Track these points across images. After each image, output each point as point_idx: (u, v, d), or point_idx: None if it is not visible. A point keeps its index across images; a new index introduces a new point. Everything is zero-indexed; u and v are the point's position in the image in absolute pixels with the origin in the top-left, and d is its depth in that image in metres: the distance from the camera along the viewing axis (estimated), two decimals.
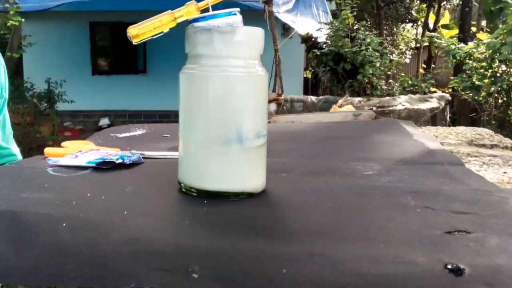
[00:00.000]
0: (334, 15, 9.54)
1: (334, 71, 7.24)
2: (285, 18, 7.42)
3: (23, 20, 6.44)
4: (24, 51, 7.22)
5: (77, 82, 8.08)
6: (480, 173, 0.90)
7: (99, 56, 9.08)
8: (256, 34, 0.74)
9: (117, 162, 0.90)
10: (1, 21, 7.69)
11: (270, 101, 5.78)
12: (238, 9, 0.77)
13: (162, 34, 0.79)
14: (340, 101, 5.80)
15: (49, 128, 7.22)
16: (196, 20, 0.77)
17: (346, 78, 7.06)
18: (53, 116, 7.20)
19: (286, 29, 8.67)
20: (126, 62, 8.87)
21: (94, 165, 0.89)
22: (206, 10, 0.81)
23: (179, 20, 0.80)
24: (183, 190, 0.75)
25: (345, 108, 4.99)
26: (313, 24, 8.31)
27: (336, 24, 7.45)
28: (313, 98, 6.41)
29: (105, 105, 8.66)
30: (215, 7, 0.79)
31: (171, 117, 8.68)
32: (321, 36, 7.95)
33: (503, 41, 4.88)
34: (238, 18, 0.78)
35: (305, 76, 10.87)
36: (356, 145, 1.15)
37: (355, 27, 7.66)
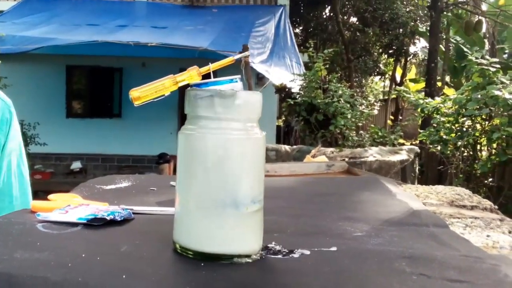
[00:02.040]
0: (307, 66, 9.79)
1: (307, 121, 7.37)
2: (260, 68, 7.57)
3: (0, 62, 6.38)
4: None
5: (51, 124, 7.97)
6: (465, 236, 0.92)
7: (75, 99, 9.01)
8: (255, 98, 0.76)
9: (108, 218, 0.88)
10: None
11: None
12: (239, 76, 0.79)
13: (163, 97, 0.80)
14: (313, 151, 5.88)
15: None
16: (197, 85, 0.78)
17: (319, 128, 7.18)
18: None
19: (260, 79, 8.82)
20: (102, 106, 8.83)
21: (85, 221, 0.87)
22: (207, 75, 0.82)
23: (180, 84, 0.82)
24: (178, 251, 0.74)
25: (318, 159, 5.04)
26: (287, 75, 8.50)
27: (309, 75, 7.63)
28: (287, 147, 6.48)
29: (78, 148, 8.53)
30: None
31: (144, 162, 8.61)
32: (295, 86, 8.12)
33: (469, 97, 5.07)
34: (239, 85, 0.80)
35: (277, 124, 11.01)
36: (342, 204, 1.17)
37: (327, 79, 7.86)
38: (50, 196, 1.08)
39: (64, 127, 8.54)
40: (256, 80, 8.78)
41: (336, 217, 1.03)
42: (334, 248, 0.78)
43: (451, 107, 5.41)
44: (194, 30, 7.82)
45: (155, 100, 0.79)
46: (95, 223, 0.87)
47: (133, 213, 0.97)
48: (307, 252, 0.76)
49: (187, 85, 0.85)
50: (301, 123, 7.54)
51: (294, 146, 6.73)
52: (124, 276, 0.63)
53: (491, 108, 4.85)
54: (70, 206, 0.96)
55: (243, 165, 0.73)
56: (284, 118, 11.47)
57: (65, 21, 7.77)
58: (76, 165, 8.39)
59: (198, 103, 0.73)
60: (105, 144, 8.57)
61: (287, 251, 0.77)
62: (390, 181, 1.39)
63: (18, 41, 6.87)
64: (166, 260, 0.72)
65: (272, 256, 0.75)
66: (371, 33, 14.11)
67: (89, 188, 1.27)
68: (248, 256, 0.73)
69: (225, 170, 0.72)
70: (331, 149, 5.99)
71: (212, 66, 0.84)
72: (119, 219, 0.90)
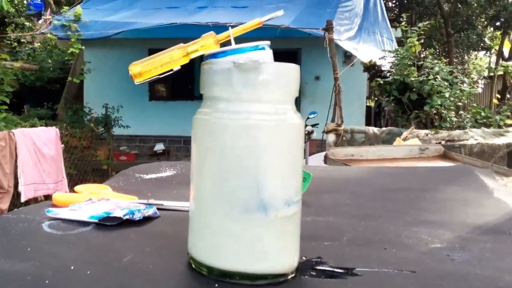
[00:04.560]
0: (400, 42, 9.27)
1: (399, 101, 6.94)
2: (347, 45, 7.24)
3: (83, 47, 6.64)
4: (84, 77, 7.45)
5: (135, 107, 8.23)
6: None
7: (157, 82, 9.23)
8: (289, 72, 0.59)
9: (124, 218, 0.76)
10: (66, 48, 7.99)
11: (328, 132, 5.58)
12: (268, 42, 0.62)
13: (172, 72, 0.65)
14: (405, 134, 5.52)
15: (105, 152, 7.34)
16: (214, 55, 0.63)
17: (412, 109, 6.74)
18: (109, 140, 7.32)
19: (348, 57, 8.48)
20: (183, 89, 8.96)
21: (96, 220, 0.75)
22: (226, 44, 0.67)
23: (192, 56, 0.66)
24: (193, 265, 0.60)
25: (410, 142, 4.72)
26: (377, 52, 8.07)
27: (402, 52, 7.18)
28: (376, 129, 6.15)
29: (160, 131, 8.75)
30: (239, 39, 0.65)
31: None
32: (385, 64, 7.70)
33: None
34: (267, 53, 0.63)
35: (368, 105, 10.58)
36: (422, 202, 0.96)
37: (422, 55, 7.36)
38: (77, 188, 0.98)
39: (147, 109, 8.78)
40: (343, 59, 8.46)
41: (411, 220, 0.84)
42: (397, 269, 0.60)
43: None
44: (276, 8, 7.59)
45: (162, 76, 0.64)
46: (108, 223, 0.75)
47: (162, 209, 0.85)
48: (360, 274, 0.58)
49: None
50: (392, 103, 7.12)
51: (384, 128, 6.37)
52: None
53: None
54: (91, 201, 0.86)
55: (272, 159, 0.56)
56: (375, 98, 11.01)
57: (145, 5, 7.92)
58: (159, 147, 8.61)
59: (213, 79, 0.58)
60: (187, 126, 8.56)
61: (335, 270, 0.60)
62: (487, 172, 1.16)
63: (100, 26, 7.09)
64: (173, 278, 0.58)
65: (311, 277, 0.58)
66: (475, 4, 13.07)
67: (128, 177, 1.16)
68: (278, 276, 0.57)
69: (248, 165, 0.56)
70: (426, 131, 5.59)
71: (233, 31, 0.67)
72: (137, 219, 0.77)
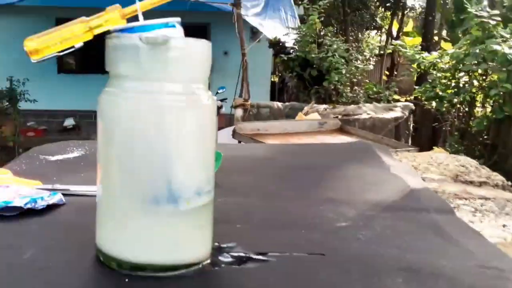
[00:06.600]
0: (302, 20, 9.40)
1: (300, 77, 7.08)
2: (254, 21, 7.22)
3: None
4: None
5: (42, 80, 7.64)
6: (475, 226, 0.72)
7: (66, 54, 8.62)
8: (200, 48, 0.54)
9: (25, 208, 0.68)
10: None
11: (236, 107, 5.55)
12: (179, 19, 0.57)
13: (74, 49, 0.58)
14: (306, 109, 5.64)
15: (10, 129, 6.80)
16: (120, 31, 0.56)
17: (313, 84, 6.90)
18: (15, 116, 6.78)
19: (254, 33, 8.46)
20: (94, 61, 8.47)
21: None
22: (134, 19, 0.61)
23: (96, 31, 0.59)
24: (101, 259, 0.54)
25: (311, 116, 4.84)
26: (281, 29, 8.13)
27: (304, 29, 7.29)
28: (279, 104, 6.24)
29: (70, 105, 8.23)
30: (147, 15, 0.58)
31: None
32: (289, 41, 7.79)
33: (467, 52, 4.80)
34: (177, 31, 0.57)
35: (272, 80, 10.70)
36: (325, 180, 0.96)
37: (322, 33, 7.52)
38: None
39: (55, 83, 8.20)
40: (250, 34, 8.43)
41: (317, 198, 0.83)
42: (308, 253, 0.58)
43: (448, 62, 5.13)
44: None
45: (62, 54, 0.57)
46: (7, 214, 0.67)
47: (68, 194, 0.77)
48: (273, 259, 0.56)
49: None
50: (295, 79, 7.25)
51: (287, 103, 6.48)
52: None
53: (490, 63, 4.59)
54: None
55: (182, 143, 0.52)
56: (279, 74, 11.15)
57: None
58: (69, 122, 8.11)
59: (119, 56, 0.52)
60: None
61: (247, 256, 0.57)
62: (384, 149, 1.19)
63: None
64: (79, 274, 0.52)
65: (225, 265, 0.55)
66: None
67: (31, 159, 1.05)
68: (190, 266, 0.53)
69: (156, 151, 0.51)
70: (324, 106, 5.76)
71: (141, 5, 0.61)
72: (40, 208, 0.70)
